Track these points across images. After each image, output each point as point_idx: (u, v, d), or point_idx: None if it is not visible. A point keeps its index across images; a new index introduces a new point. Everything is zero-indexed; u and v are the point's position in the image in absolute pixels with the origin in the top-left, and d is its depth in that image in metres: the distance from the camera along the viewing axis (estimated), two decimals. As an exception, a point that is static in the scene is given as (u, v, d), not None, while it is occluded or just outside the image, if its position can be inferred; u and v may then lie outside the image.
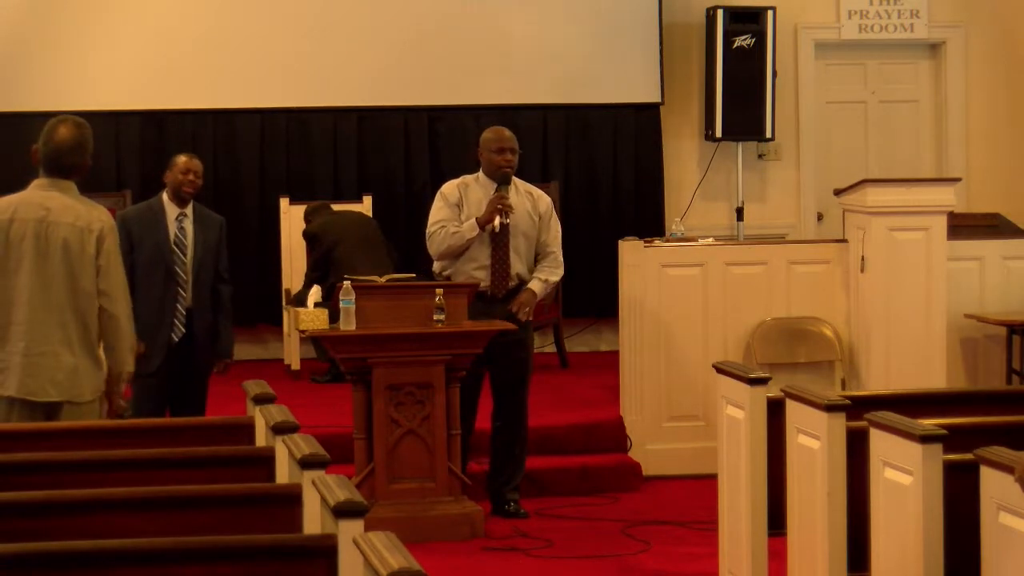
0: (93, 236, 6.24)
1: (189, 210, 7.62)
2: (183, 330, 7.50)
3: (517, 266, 7.83)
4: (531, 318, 7.87)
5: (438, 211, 7.85)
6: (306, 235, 10.20)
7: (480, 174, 7.92)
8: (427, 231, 7.87)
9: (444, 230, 7.78)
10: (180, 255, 7.53)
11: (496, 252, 7.78)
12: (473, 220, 7.74)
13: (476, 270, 7.77)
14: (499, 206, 7.71)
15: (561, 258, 7.97)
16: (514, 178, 7.95)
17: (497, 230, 7.73)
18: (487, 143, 7.90)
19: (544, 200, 7.97)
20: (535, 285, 7.84)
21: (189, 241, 7.56)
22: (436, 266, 7.91)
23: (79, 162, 6.32)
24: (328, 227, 10.08)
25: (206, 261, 7.59)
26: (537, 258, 7.92)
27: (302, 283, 10.18)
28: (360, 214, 10.46)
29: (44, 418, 6.14)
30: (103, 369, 6.32)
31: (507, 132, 7.98)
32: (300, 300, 9.89)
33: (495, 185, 7.81)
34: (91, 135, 6.38)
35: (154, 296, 7.44)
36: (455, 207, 7.83)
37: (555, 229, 7.95)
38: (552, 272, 7.91)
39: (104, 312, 6.27)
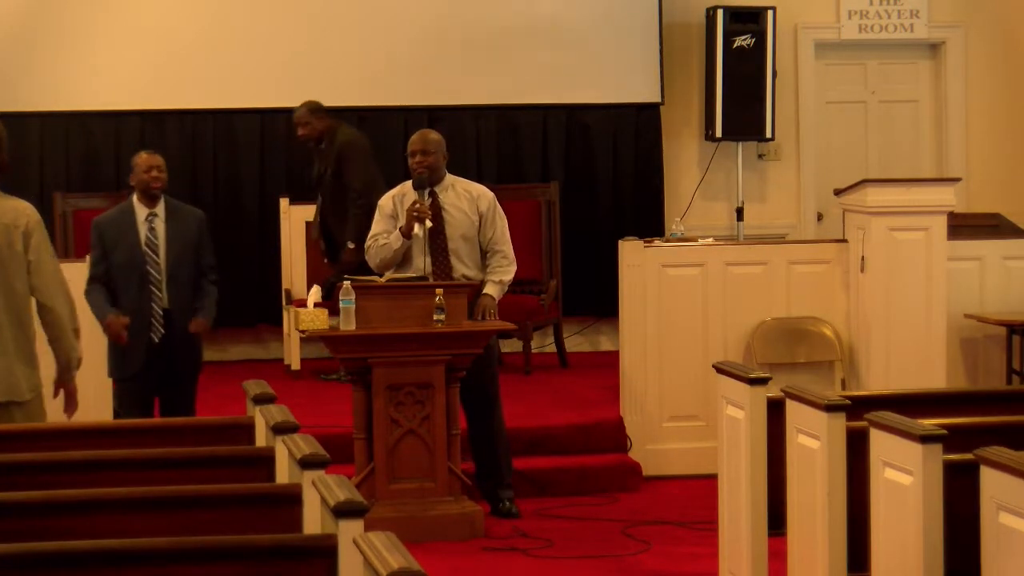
0: (19, 232, 6.22)
1: (160, 209, 7.51)
2: (162, 331, 7.42)
3: (460, 268, 7.78)
4: (497, 318, 7.78)
5: (374, 224, 7.85)
6: (349, 145, 9.85)
7: None
8: (365, 245, 7.88)
9: (376, 243, 7.78)
10: (152, 256, 7.43)
11: (435, 258, 7.76)
12: (398, 231, 7.72)
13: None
14: (414, 213, 7.67)
15: (511, 254, 7.87)
16: (453, 178, 7.92)
17: (421, 236, 7.69)
18: (408, 147, 7.91)
19: (486, 197, 7.90)
20: (491, 289, 7.76)
21: (161, 241, 7.46)
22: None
23: None
24: (361, 136, 10.02)
25: (183, 258, 7.48)
26: (485, 256, 7.88)
27: (351, 230, 9.71)
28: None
29: None
30: (38, 369, 6.30)
31: (426, 134, 7.93)
32: (357, 237, 9.61)
33: (425, 190, 7.78)
34: (3, 133, 6.35)
35: (131, 298, 7.39)
36: (390, 218, 7.81)
37: (500, 226, 7.86)
38: (505, 272, 7.83)
39: (42, 307, 6.26)
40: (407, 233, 7.69)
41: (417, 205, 7.67)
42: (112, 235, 7.46)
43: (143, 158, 7.58)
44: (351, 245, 9.77)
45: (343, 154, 9.86)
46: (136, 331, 7.39)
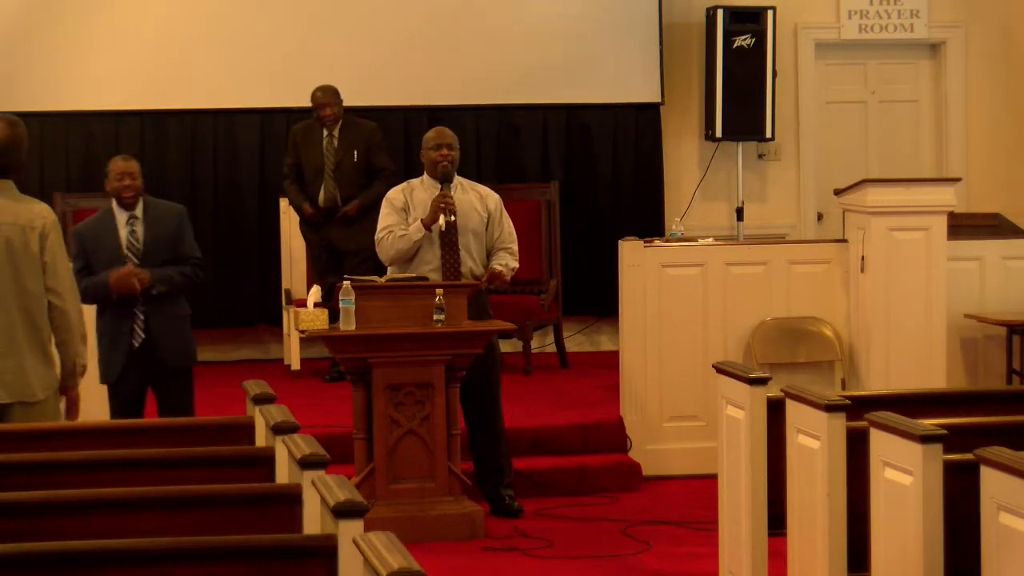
0: (36, 233, 6.21)
1: (140, 211, 7.43)
2: (142, 336, 7.39)
3: (468, 263, 7.82)
4: (509, 282, 7.87)
5: (385, 217, 7.87)
6: (376, 131, 10.11)
7: (425, 176, 7.94)
8: (375, 238, 7.88)
9: (392, 235, 7.79)
10: (134, 260, 7.37)
11: (446, 252, 7.79)
12: (419, 222, 7.75)
13: (428, 272, 7.75)
14: (442, 204, 7.72)
15: (517, 253, 7.94)
16: (460, 177, 7.98)
17: (443, 228, 7.73)
18: (426, 142, 7.95)
19: (492, 198, 7.98)
20: (498, 265, 7.82)
21: (141, 244, 7.41)
22: (388, 271, 7.89)
23: (15, 160, 6.29)
24: None
25: (163, 258, 7.40)
26: (491, 255, 7.90)
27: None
28: None
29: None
30: (54, 368, 6.29)
31: (447, 131, 8.01)
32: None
33: (439, 185, 7.82)
34: (25, 132, 6.35)
35: (112, 305, 7.35)
36: (401, 211, 7.84)
37: (508, 226, 7.94)
38: (512, 260, 7.90)
39: (54, 308, 6.24)
40: (430, 224, 7.72)
41: (446, 197, 7.72)
42: (92, 242, 7.41)
43: (117, 165, 7.45)
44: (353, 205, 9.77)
45: (373, 138, 10.05)
46: (117, 337, 7.37)
